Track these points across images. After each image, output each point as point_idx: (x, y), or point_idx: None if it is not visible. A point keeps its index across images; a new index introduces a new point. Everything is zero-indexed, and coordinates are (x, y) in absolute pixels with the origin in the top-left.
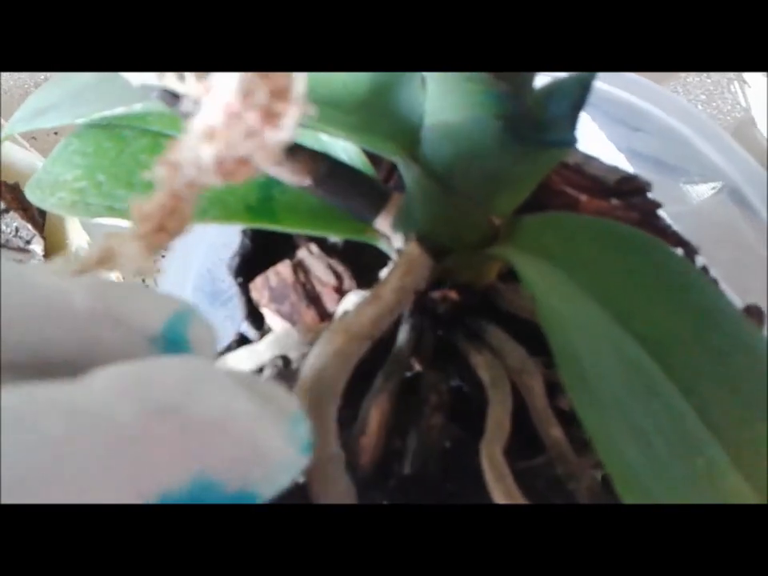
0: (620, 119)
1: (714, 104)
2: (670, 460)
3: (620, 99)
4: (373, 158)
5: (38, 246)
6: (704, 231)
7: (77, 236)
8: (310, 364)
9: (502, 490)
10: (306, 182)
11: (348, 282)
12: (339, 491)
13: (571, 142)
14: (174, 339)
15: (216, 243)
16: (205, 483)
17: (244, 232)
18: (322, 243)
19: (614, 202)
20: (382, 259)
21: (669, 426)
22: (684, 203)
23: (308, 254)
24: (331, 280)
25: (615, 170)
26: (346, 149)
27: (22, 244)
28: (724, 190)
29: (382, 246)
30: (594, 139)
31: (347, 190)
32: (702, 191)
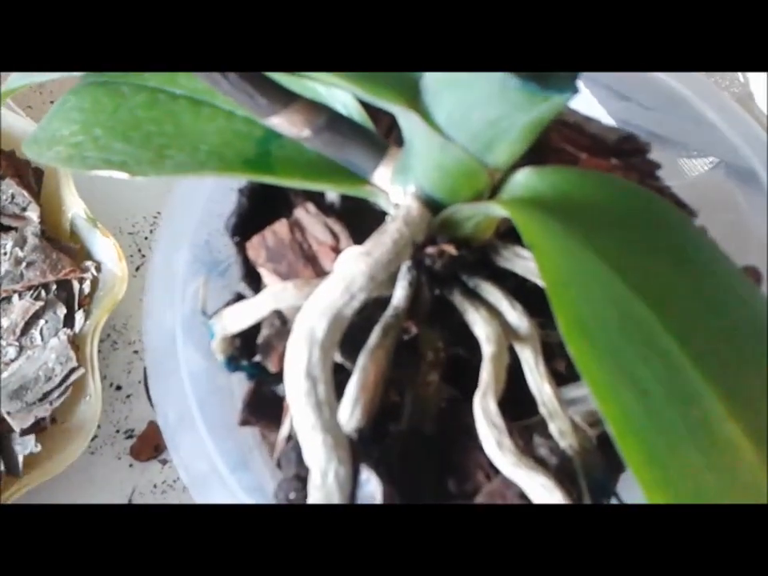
0: (617, 90)
1: (713, 79)
2: (666, 409)
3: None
4: (372, 115)
5: (33, 213)
6: (699, 204)
7: (73, 203)
8: (306, 314)
9: (494, 440)
10: (305, 132)
11: (345, 241)
12: (333, 441)
13: (572, 89)
14: None
15: (212, 212)
16: None
17: (240, 191)
18: (320, 203)
19: (614, 161)
20: (379, 220)
21: (665, 376)
22: (680, 178)
23: (305, 214)
24: (328, 239)
25: (615, 129)
26: (345, 103)
27: (17, 211)
28: (721, 165)
29: (380, 201)
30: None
31: (345, 142)
32: (699, 166)
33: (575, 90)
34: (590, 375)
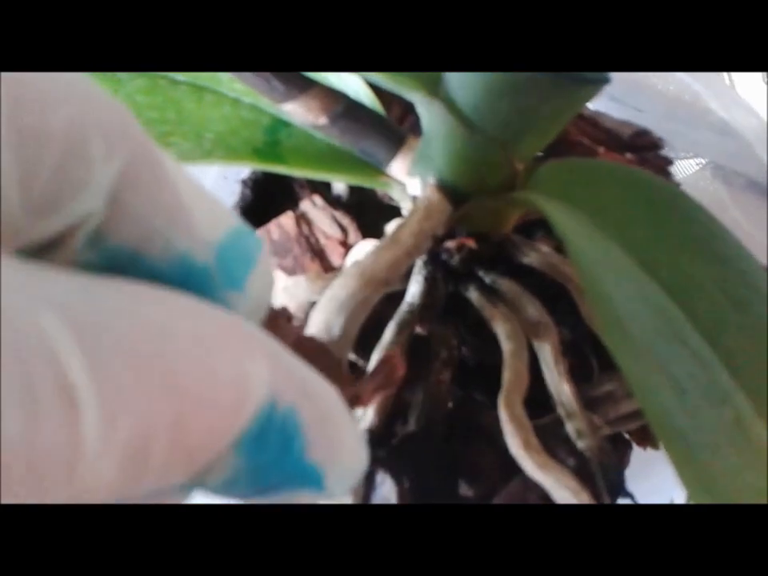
0: (608, 92)
1: (699, 82)
2: (702, 407)
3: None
4: (384, 102)
5: None
6: None
7: None
8: (322, 308)
9: (521, 441)
10: (321, 120)
11: (354, 235)
12: None
13: (604, 79)
14: (235, 257)
15: None
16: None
17: (244, 182)
18: (326, 195)
19: (629, 155)
20: (386, 214)
21: (699, 374)
22: (669, 179)
23: (312, 206)
24: (336, 233)
25: (629, 124)
26: (356, 90)
27: None
28: (708, 166)
29: (395, 193)
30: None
31: (362, 130)
32: (687, 167)
33: (607, 78)
34: (629, 372)
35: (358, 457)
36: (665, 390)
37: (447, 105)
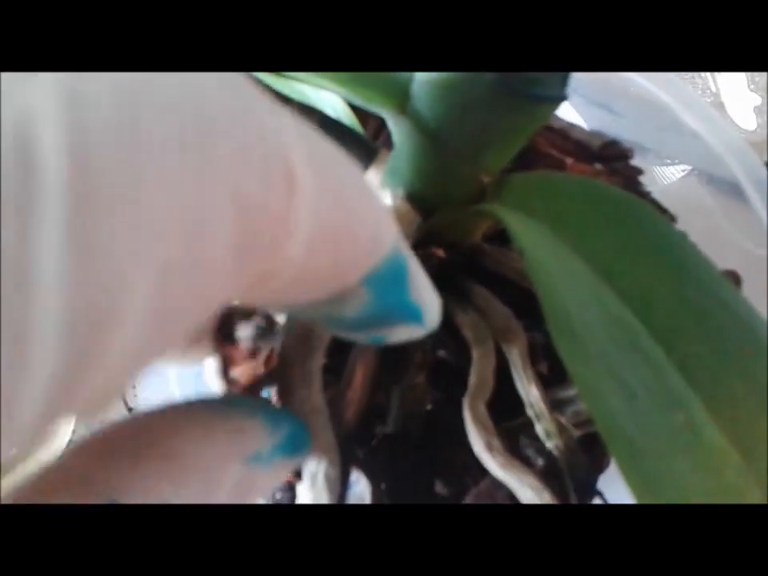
0: (596, 99)
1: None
2: (652, 413)
3: (595, 75)
4: (361, 117)
5: None
6: (674, 210)
7: None
8: (294, 317)
9: (484, 442)
10: None
11: None
12: (322, 443)
13: (562, 97)
14: (396, 272)
15: None
16: None
17: None
18: None
19: (598, 166)
20: None
21: (651, 379)
22: (655, 185)
23: None
24: None
25: (598, 135)
26: (333, 106)
27: None
28: (694, 172)
29: None
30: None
31: (335, 144)
32: (673, 173)
33: (564, 96)
34: (579, 378)
35: (435, 299)
36: (614, 396)
37: (414, 120)
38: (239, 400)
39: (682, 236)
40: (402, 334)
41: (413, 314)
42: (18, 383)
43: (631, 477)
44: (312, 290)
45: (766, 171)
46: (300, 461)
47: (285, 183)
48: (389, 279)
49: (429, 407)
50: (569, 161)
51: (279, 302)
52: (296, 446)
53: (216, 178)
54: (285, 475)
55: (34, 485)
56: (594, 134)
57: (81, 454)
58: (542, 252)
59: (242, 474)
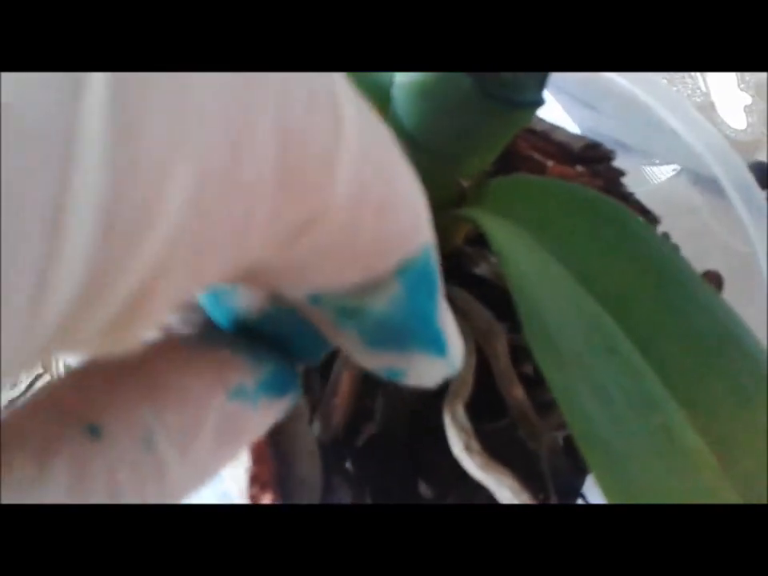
0: (582, 98)
1: (675, 88)
2: (628, 416)
3: (583, 76)
4: None
5: None
6: (662, 210)
7: None
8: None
9: (462, 443)
10: None
11: None
12: (302, 446)
13: (539, 102)
14: (429, 275)
15: None
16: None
17: None
18: None
19: (579, 168)
20: None
21: (628, 382)
22: (644, 185)
23: None
24: None
25: (580, 137)
26: None
27: None
28: (683, 172)
29: None
30: (559, 121)
31: None
32: (662, 173)
33: (541, 101)
34: (554, 382)
35: (459, 341)
36: (590, 400)
37: (394, 124)
38: (220, 334)
39: (662, 238)
40: (423, 367)
41: (436, 341)
42: (50, 265)
43: (605, 480)
44: (347, 265)
45: (746, 170)
46: (286, 404)
47: (331, 119)
48: (421, 278)
49: (413, 410)
50: (550, 163)
51: (311, 280)
52: (281, 385)
53: (261, 91)
54: (271, 419)
55: (14, 413)
56: (576, 136)
57: (59, 384)
58: (519, 256)
59: (226, 411)
